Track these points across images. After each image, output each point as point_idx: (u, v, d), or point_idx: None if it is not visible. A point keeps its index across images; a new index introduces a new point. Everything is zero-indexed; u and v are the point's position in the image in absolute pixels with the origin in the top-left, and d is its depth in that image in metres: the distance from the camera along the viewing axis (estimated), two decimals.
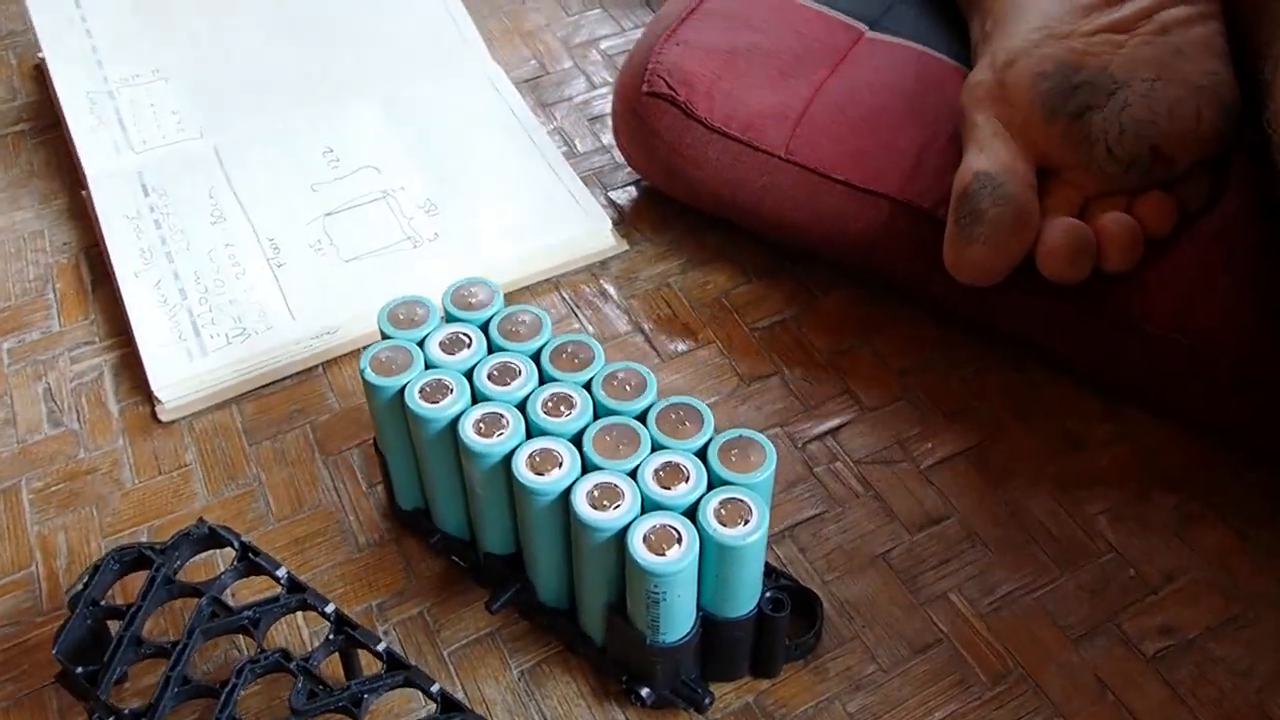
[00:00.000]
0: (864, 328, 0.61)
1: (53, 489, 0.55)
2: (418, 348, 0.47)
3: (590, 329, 0.61)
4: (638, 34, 0.81)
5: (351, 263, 0.62)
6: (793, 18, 0.66)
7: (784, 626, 0.46)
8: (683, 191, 0.64)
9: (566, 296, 0.63)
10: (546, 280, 0.64)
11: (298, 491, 0.55)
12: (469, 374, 0.46)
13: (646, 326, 0.61)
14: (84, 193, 0.67)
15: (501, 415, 0.44)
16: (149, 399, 0.58)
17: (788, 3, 0.67)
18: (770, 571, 0.49)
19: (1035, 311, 0.56)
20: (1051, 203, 0.55)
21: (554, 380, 0.46)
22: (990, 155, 0.55)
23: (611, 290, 0.63)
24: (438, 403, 0.45)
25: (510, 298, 0.63)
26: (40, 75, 0.77)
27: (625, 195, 0.69)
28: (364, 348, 0.53)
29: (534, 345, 0.47)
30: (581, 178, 0.69)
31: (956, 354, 0.60)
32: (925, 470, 0.55)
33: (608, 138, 0.72)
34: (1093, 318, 0.55)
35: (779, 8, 0.66)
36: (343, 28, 0.77)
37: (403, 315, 0.48)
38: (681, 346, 0.60)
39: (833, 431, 0.56)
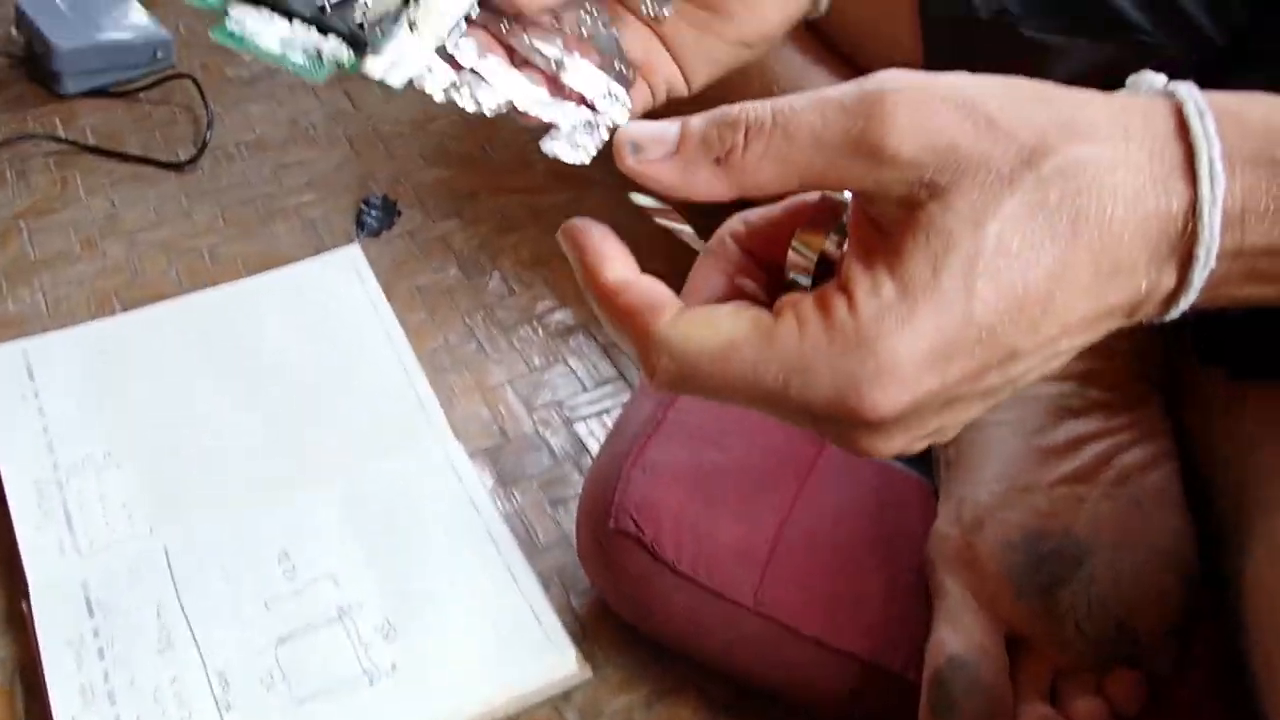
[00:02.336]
0: None
1: None
2: None
3: None
4: (600, 393, 0.80)
5: (305, 704, 0.60)
6: (754, 426, 0.66)
7: None
8: (648, 626, 0.63)
9: None
10: (507, 717, 0.62)
11: None
12: None
13: None
14: (24, 605, 0.65)
15: None
16: None
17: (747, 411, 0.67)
18: None
19: None
20: (1023, 677, 0.54)
21: None
22: (962, 634, 0.54)
23: None
24: None
25: None
26: None
27: (587, 599, 0.67)
28: None
29: None
30: (543, 576, 0.67)
31: None
32: None
33: (569, 523, 0.71)
34: None
35: (740, 415, 0.67)
36: (299, 399, 0.76)
37: None
38: None
39: None
